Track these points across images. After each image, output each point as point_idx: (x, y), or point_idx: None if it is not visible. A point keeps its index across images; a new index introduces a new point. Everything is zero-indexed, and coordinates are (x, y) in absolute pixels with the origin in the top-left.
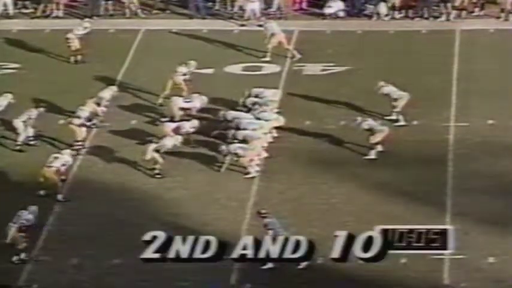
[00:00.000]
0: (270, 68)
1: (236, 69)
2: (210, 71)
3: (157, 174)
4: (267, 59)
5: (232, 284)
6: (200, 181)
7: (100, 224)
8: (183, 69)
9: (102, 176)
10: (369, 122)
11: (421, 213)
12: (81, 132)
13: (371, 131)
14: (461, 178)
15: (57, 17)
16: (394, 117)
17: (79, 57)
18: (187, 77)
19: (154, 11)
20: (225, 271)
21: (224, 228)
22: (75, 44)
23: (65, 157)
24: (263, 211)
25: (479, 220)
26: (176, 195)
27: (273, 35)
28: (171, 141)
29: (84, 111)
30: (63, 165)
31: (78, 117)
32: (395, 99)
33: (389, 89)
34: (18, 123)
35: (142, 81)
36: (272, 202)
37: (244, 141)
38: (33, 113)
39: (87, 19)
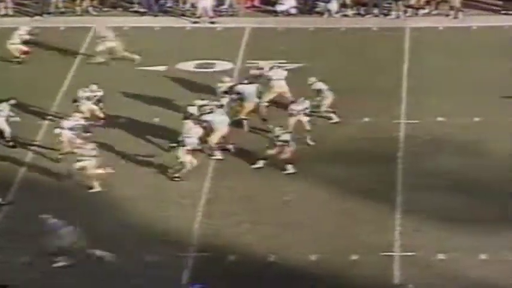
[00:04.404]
0: (222, 65)
1: (189, 66)
2: (162, 68)
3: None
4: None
5: (184, 282)
6: (152, 179)
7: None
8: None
9: (51, 175)
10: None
11: (372, 211)
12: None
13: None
14: (412, 175)
15: (6, 15)
16: (330, 114)
17: (22, 57)
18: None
19: (106, 8)
20: (178, 268)
21: (176, 226)
22: (19, 47)
23: None
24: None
25: (429, 217)
26: (127, 194)
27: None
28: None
29: (70, 121)
30: None
31: (62, 127)
32: (324, 96)
33: (320, 85)
34: (2, 122)
35: (92, 81)
36: (224, 200)
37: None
38: (7, 108)
39: (25, 27)
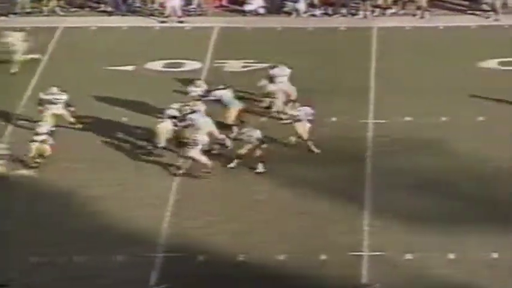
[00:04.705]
0: (191, 65)
1: (157, 65)
2: (130, 68)
3: (207, 172)
4: None
5: (152, 282)
6: (121, 179)
7: (20, 222)
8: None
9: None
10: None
11: (341, 210)
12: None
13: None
14: (380, 175)
15: None
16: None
17: None
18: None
19: (73, 9)
20: (146, 268)
21: (144, 225)
22: None
23: None
24: None
25: (397, 217)
26: (97, 193)
27: None
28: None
29: (44, 127)
30: None
31: (37, 133)
32: (275, 97)
33: (272, 86)
34: None
35: (59, 81)
36: (193, 199)
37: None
38: None
39: None
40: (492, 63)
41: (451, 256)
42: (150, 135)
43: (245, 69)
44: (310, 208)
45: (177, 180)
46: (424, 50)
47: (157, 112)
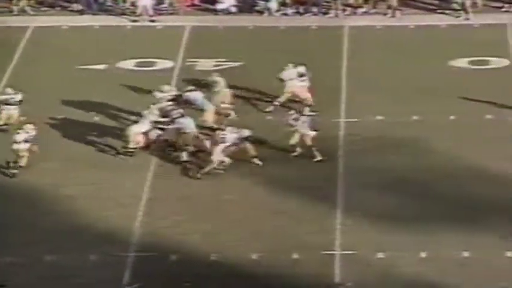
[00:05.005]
0: (162, 64)
1: (129, 64)
2: (102, 67)
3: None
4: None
5: (125, 282)
6: (94, 178)
7: None
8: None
9: None
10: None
11: (313, 209)
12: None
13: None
14: (352, 174)
15: None
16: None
17: None
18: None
19: (44, 8)
20: (119, 267)
21: (117, 225)
22: None
23: None
24: None
25: (369, 215)
26: (70, 193)
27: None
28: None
29: (22, 134)
30: None
31: (15, 141)
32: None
33: (220, 79)
34: None
35: (31, 80)
36: (166, 198)
37: None
38: None
39: None
40: (462, 62)
41: (423, 255)
42: (122, 134)
43: (217, 68)
44: (283, 207)
45: (149, 179)
46: (395, 49)
47: (129, 111)
